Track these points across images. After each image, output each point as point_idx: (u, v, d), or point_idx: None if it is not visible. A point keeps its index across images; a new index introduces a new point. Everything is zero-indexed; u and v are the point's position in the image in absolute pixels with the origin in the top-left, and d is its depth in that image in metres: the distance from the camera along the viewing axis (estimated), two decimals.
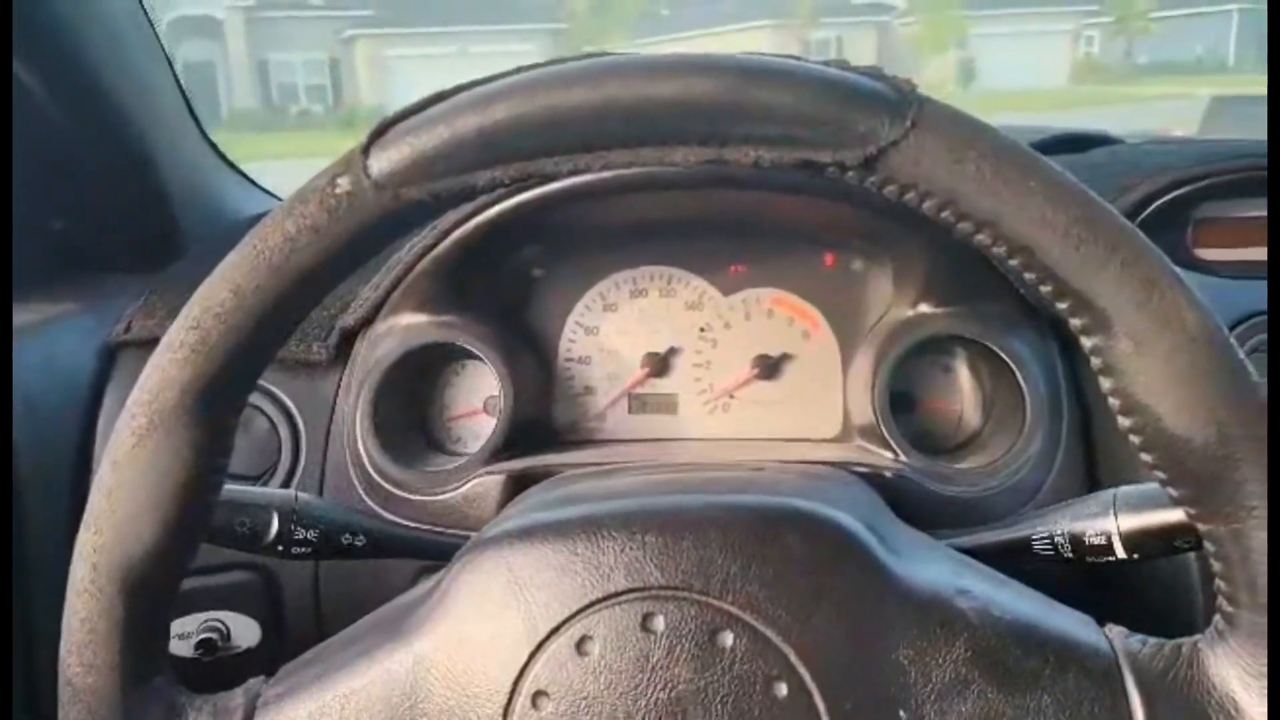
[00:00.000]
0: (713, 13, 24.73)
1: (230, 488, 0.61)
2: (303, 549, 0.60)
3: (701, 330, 0.88)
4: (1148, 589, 0.68)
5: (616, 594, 0.42)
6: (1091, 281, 0.37)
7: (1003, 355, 0.76)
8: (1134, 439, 0.38)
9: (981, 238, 0.38)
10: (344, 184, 0.39)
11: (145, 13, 0.91)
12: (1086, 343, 0.38)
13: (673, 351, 0.89)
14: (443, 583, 0.46)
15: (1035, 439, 0.74)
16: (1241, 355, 0.37)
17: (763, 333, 0.88)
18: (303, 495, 0.61)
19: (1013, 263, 0.38)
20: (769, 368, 0.87)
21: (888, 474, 0.72)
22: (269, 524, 0.59)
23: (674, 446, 0.86)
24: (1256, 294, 0.78)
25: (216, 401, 0.41)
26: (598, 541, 0.43)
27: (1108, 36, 25.86)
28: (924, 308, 0.80)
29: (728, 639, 0.41)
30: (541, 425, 0.88)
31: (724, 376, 0.88)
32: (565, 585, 0.42)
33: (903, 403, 0.83)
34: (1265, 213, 0.86)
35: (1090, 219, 0.37)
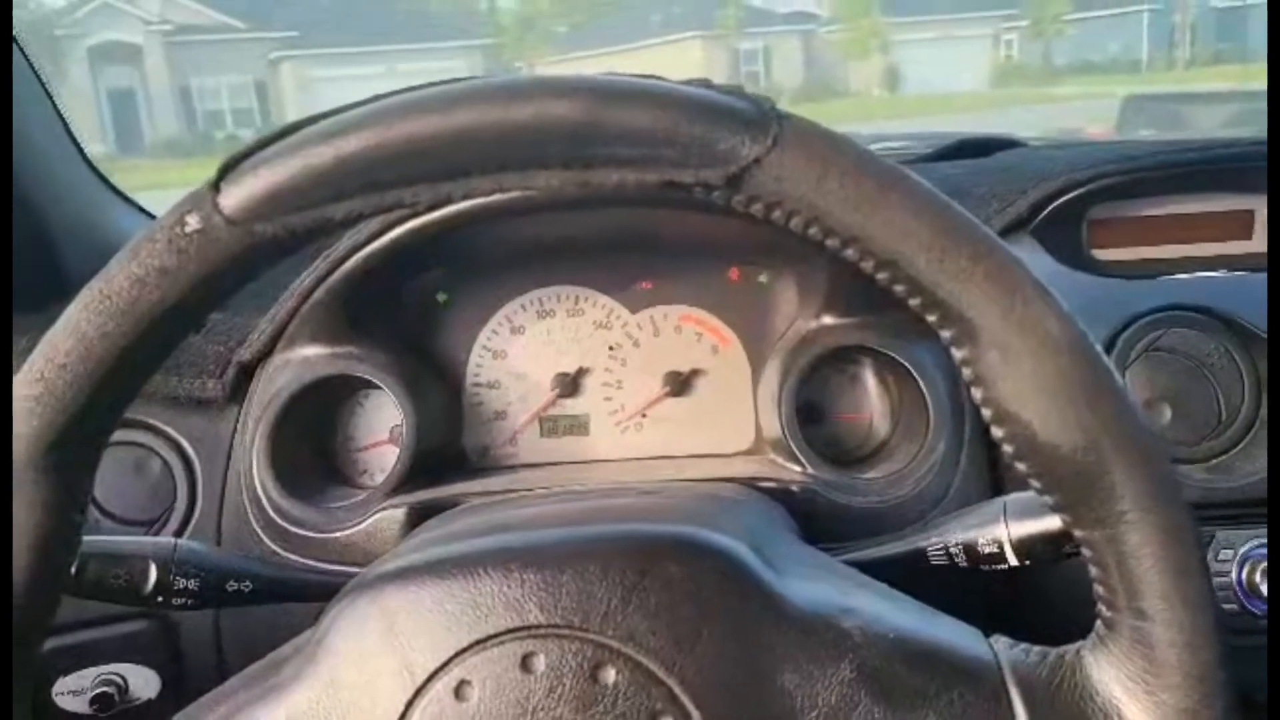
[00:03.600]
0: (640, 26, 24.91)
1: (104, 538, 0.59)
2: (184, 599, 0.57)
3: (611, 349, 0.88)
4: (1046, 594, 0.69)
5: (495, 635, 0.41)
6: (956, 293, 0.37)
7: (905, 363, 0.76)
8: (1006, 448, 0.38)
9: (849, 252, 0.37)
10: (193, 221, 0.37)
11: (22, 50, 0.88)
12: (957, 354, 0.38)
13: (582, 372, 0.88)
14: (318, 630, 0.44)
15: (939, 445, 0.74)
16: (1106, 361, 0.37)
17: (672, 349, 0.87)
18: (184, 542, 0.59)
19: (880, 276, 0.38)
20: (680, 384, 0.87)
21: (794, 488, 0.72)
22: (146, 574, 0.56)
23: (586, 469, 0.85)
24: (1151, 293, 0.79)
25: (67, 456, 0.39)
26: (475, 581, 0.42)
27: (1026, 39, 26.56)
28: (827, 319, 0.80)
29: (610, 675, 0.40)
30: (452, 452, 0.86)
31: (635, 395, 0.87)
32: (442, 628, 0.41)
33: (814, 413, 0.83)
34: (1158, 211, 0.87)
35: (952, 231, 0.37)
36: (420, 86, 0.38)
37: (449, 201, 0.38)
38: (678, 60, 23.70)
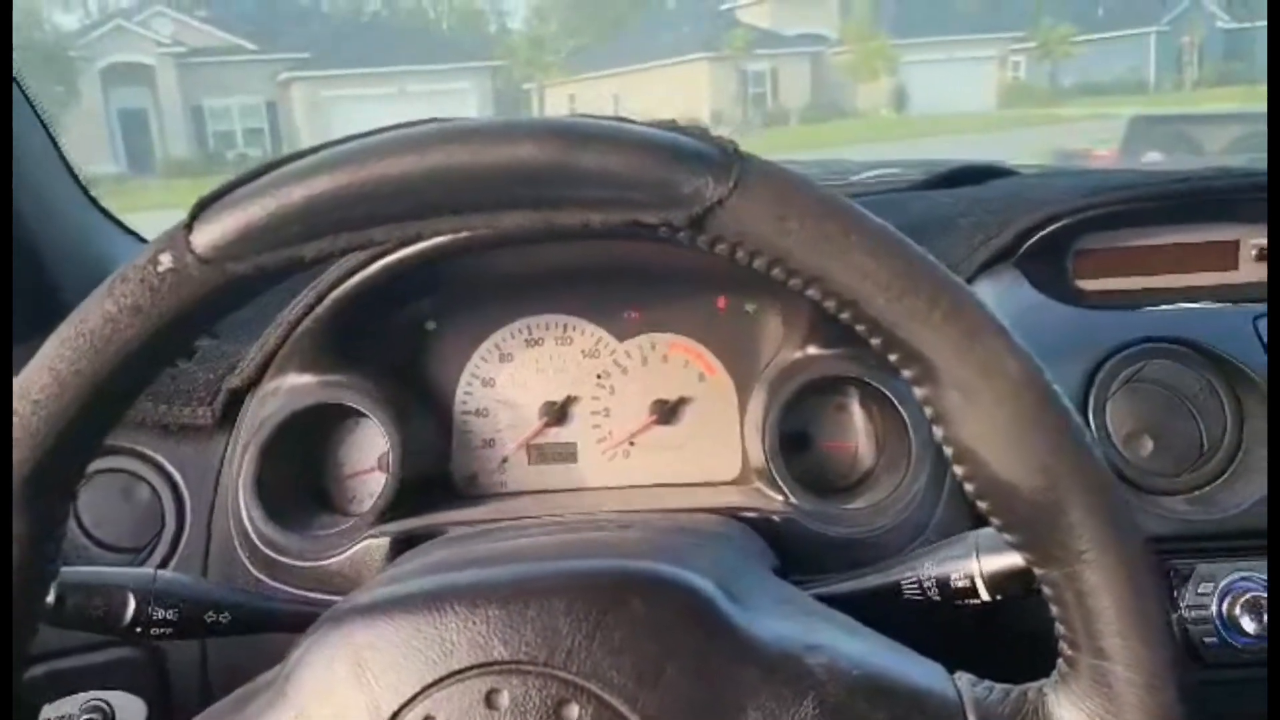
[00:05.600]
0: (649, 48, 25.05)
1: (84, 569, 0.59)
2: (162, 629, 0.58)
3: (599, 377, 0.88)
4: (1017, 629, 0.69)
5: (460, 671, 0.41)
6: (915, 333, 0.37)
7: (888, 394, 0.77)
8: (967, 487, 0.38)
9: (812, 292, 0.38)
10: (166, 260, 0.38)
11: (13, 77, 0.89)
12: (918, 392, 0.39)
13: (570, 400, 0.88)
14: (287, 664, 0.44)
15: (921, 476, 0.74)
16: (1065, 401, 0.37)
17: (660, 377, 0.88)
18: (163, 573, 0.59)
19: (843, 316, 0.38)
20: (667, 412, 0.87)
21: (776, 518, 0.72)
22: (125, 605, 0.57)
23: (573, 497, 0.85)
24: (1134, 324, 0.79)
25: (42, 490, 0.39)
26: (440, 617, 0.42)
27: (1033, 61, 26.65)
28: (811, 349, 0.81)
29: (574, 711, 0.40)
30: (440, 480, 0.86)
31: (623, 423, 0.88)
32: (408, 664, 0.41)
33: (800, 442, 0.84)
34: (1144, 242, 0.88)
35: (910, 272, 0.37)
36: (392, 127, 0.39)
37: (418, 240, 0.39)
38: (685, 81, 23.83)
